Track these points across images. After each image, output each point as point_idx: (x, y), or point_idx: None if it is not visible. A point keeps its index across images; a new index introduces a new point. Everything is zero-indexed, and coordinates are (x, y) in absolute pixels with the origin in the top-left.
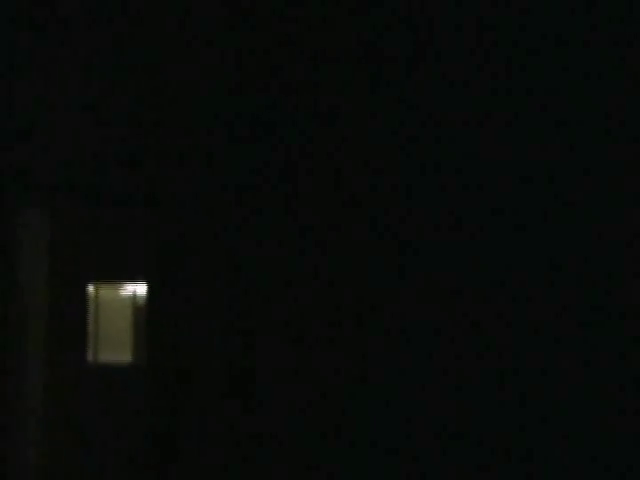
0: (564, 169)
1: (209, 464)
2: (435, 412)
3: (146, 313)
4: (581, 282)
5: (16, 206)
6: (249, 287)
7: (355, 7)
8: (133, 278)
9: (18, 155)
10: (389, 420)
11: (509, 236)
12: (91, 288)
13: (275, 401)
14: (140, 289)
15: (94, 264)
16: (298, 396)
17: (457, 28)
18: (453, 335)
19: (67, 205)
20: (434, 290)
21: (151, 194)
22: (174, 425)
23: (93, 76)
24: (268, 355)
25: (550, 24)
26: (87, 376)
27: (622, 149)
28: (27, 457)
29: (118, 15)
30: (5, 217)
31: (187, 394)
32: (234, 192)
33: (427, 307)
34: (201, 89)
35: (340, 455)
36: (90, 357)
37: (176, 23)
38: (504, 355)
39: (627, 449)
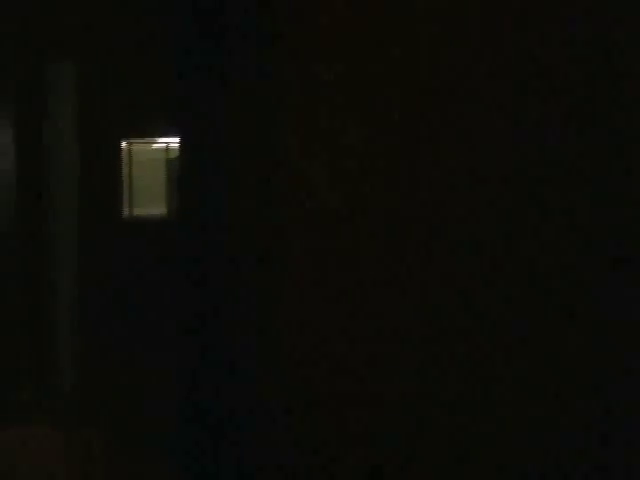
0: None
1: None
2: None
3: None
4: None
5: (47, 57)
6: None
7: None
8: (166, 132)
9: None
10: None
11: None
12: (124, 143)
13: None
14: (173, 143)
15: (127, 119)
16: None
17: None
18: None
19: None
20: None
21: None
22: None
23: None
24: None
25: None
26: (122, 231)
27: None
28: (64, 315)
29: None
30: (32, 71)
31: None
32: None
33: None
34: None
35: None
36: (125, 212)
37: None
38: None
39: None
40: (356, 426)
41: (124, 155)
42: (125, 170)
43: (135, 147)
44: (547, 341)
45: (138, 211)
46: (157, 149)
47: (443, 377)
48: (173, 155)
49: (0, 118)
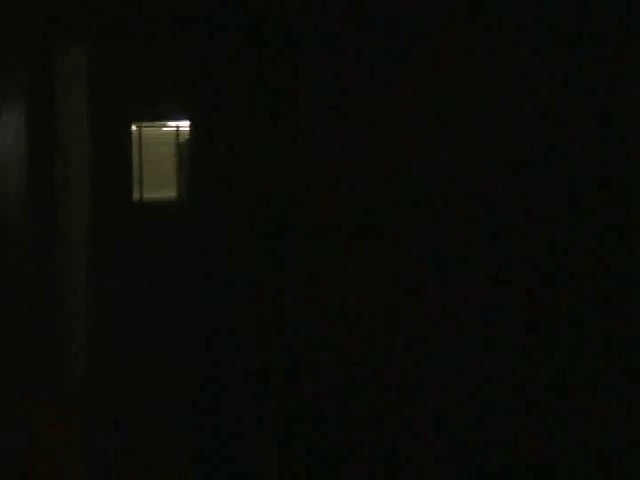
0: None
1: None
2: None
3: (189, 149)
4: None
5: (57, 41)
6: None
7: None
8: (176, 116)
9: None
10: None
11: None
12: (134, 127)
13: None
14: (183, 126)
15: (137, 102)
16: None
17: None
18: None
19: (107, 40)
20: None
21: None
22: None
23: None
24: None
25: None
26: (133, 213)
27: None
28: (78, 301)
29: None
30: (44, 53)
31: None
32: None
33: None
34: None
35: None
36: (136, 195)
37: None
38: None
39: None
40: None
41: (134, 138)
42: (135, 153)
43: (146, 130)
44: None
45: (148, 194)
46: (167, 132)
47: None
48: (183, 138)
49: (12, 102)
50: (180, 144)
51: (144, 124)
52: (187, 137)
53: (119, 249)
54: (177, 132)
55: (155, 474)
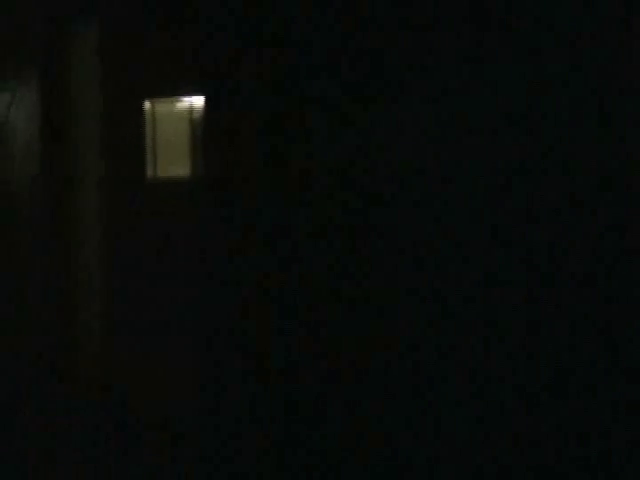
0: None
1: None
2: None
3: (204, 126)
4: None
5: (66, 15)
6: None
7: None
8: (190, 91)
9: None
10: None
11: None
12: (147, 102)
13: None
14: (197, 102)
15: (150, 77)
16: None
17: None
18: None
19: (120, 14)
20: None
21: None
22: None
23: None
24: None
25: None
26: (147, 191)
27: None
28: (92, 277)
29: None
30: (55, 27)
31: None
32: None
33: None
34: None
35: None
36: (149, 172)
37: None
38: None
39: None
40: None
41: (147, 113)
42: (149, 128)
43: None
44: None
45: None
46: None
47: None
48: (197, 114)
49: (26, 77)
50: (194, 120)
51: (157, 100)
52: (201, 113)
53: (132, 227)
54: (191, 109)
55: None
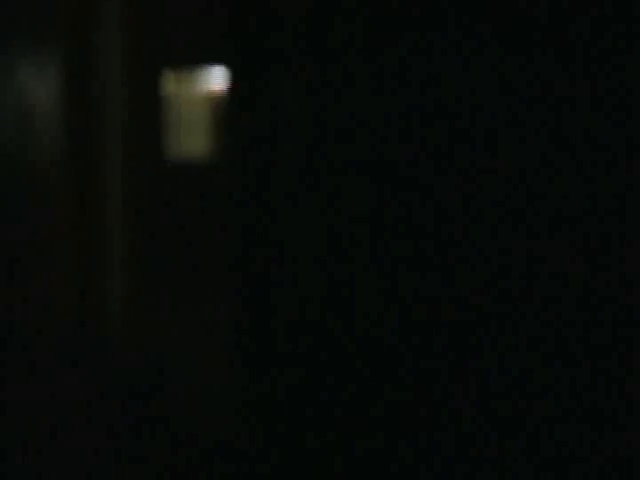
0: None
1: None
2: None
3: (226, 104)
4: None
5: None
6: None
7: None
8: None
9: None
10: None
11: None
12: (167, 79)
13: None
14: (218, 79)
15: (170, 52)
16: None
17: None
18: None
19: None
20: None
21: None
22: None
23: None
24: None
25: None
26: (166, 170)
27: None
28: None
29: None
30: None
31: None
32: None
33: None
34: None
35: None
36: (168, 151)
37: None
38: None
39: None
40: None
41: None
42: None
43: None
44: None
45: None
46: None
47: None
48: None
49: (48, 54)
50: (214, 100)
51: (177, 75)
52: (223, 93)
53: (152, 204)
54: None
55: None
